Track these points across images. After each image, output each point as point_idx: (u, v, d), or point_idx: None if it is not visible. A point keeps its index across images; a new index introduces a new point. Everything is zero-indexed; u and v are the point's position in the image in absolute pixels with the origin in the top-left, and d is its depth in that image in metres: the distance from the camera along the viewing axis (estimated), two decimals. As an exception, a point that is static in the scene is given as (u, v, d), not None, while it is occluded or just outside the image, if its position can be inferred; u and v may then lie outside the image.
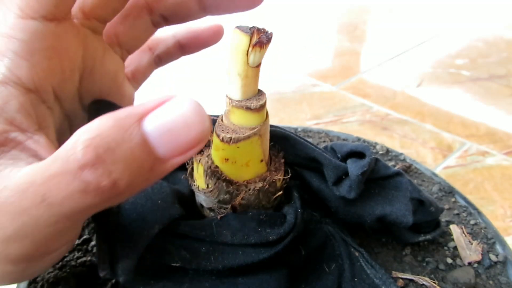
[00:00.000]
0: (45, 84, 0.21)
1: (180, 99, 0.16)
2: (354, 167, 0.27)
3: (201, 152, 0.26)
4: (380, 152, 0.43)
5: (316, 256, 0.27)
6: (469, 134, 0.72)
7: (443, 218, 0.33)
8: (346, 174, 0.27)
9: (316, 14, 1.33)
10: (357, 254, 0.27)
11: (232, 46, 0.21)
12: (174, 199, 0.24)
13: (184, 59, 0.33)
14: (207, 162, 0.24)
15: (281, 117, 0.78)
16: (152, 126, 0.15)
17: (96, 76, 0.26)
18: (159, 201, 0.24)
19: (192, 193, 0.26)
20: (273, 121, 0.25)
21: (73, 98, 0.25)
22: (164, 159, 0.16)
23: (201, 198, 0.26)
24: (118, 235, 0.23)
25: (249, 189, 0.24)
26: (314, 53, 1.06)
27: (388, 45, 1.09)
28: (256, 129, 0.23)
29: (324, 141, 0.44)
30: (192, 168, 0.26)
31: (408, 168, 0.39)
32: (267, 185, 0.24)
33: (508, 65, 0.96)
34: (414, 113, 0.79)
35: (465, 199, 0.35)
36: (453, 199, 0.35)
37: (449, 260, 0.29)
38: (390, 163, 0.40)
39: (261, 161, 0.24)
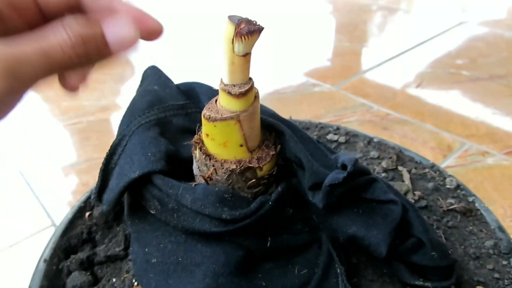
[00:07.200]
0: None
1: None
2: (329, 177, 0.25)
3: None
4: (380, 152, 0.43)
5: (290, 256, 0.27)
6: (469, 134, 0.72)
7: (475, 277, 0.28)
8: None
9: (316, 14, 1.33)
10: (339, 271, 0.26)
11: (224, 33, 0.23)
12: (165, 156, 0.27)
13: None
14: (200, 135, 0.27)
15: (281, 117, 0.78)
16: None
17: None
18: (149, 154, 0.27)
19: (191, 159, 0.28)
20: (273, 120, 0.25)
21: None
22: None
23: (194, 166, 0.28)
24: (113, 173, 0.28)
25: (223, 168, 0.25)
26: (314, 53, 1.06)
27: (388, 45, 1.09)
28: (234, 114, 0.24)
29: (335, 134, 0.44)
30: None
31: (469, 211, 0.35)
32: (242, 169, 0.25)
33: (508, 65, 0.96)
34: (414, 113, 0.79)
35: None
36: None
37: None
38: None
39: (241, 145, 0.25)
